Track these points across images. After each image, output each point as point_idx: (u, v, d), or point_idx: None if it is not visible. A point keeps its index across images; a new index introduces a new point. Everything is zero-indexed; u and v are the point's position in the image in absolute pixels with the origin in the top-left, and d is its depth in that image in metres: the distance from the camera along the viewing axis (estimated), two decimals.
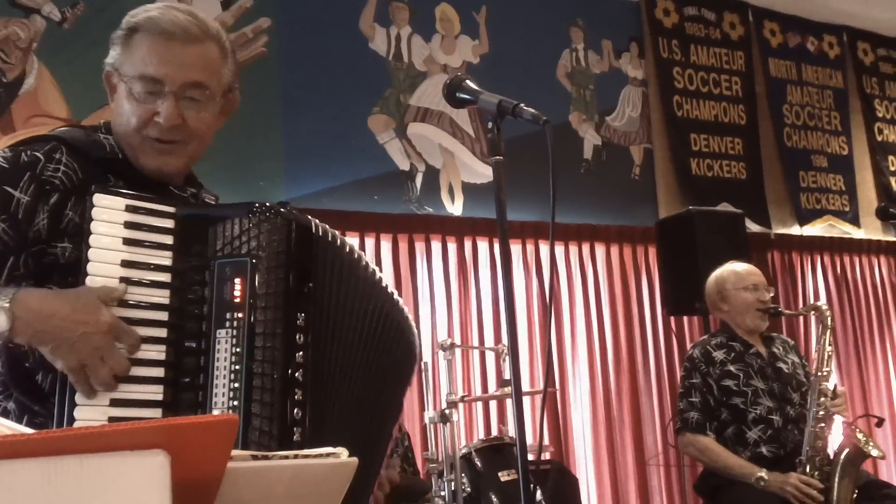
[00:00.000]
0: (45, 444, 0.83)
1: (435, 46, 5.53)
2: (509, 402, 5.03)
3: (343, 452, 1.06)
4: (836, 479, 3.47)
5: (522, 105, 1.72)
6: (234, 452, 0.95)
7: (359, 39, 5.29)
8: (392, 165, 5.25)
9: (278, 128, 4.94)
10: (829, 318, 3.77)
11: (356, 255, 1.72)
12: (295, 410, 1.49)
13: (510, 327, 1.79)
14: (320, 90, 5.07)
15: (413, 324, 1.86)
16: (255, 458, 0.99)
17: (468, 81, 1.86)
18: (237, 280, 1.50)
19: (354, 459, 1.08)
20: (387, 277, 1.92)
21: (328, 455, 1.06)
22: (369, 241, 4.97)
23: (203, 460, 0.90)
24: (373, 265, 1.76)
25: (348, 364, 1.67)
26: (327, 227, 1.65)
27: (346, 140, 5.11)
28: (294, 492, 1.05)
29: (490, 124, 1.75)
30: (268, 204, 1.56)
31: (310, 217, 1.63)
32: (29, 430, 0.89)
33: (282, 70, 4.99)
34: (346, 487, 1.10)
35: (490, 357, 5.12)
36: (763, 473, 3.48)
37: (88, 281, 1.46)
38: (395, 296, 1.81)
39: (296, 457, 1.03)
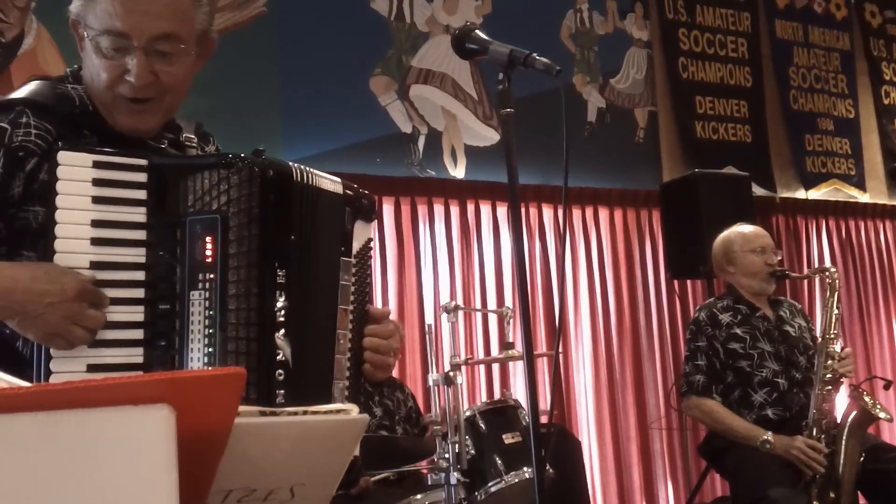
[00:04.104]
0: (45, 397, 0.80)
1: (437, 6, 5.45)
2: (511, 365, 5.02)
3: (353, 409, 1.03)
4: (843, 443, 3.46)
5: (535, 55, 1.66)
6: (242, 408, 0.92)
7: None
8: (394, 128, 5.19)
9: (278, 89, 4.88)
10: (837, 281, 3.75)
11: (329, 187, 1.61)
12: (277, 372, 1.44)
13: (521, 290, 1.75)
14: (321, 51, 5.00)
15: (332, 186, 1.64)
16: (262, 413, 0.96)
17: (478, 31, 1.80)
18: (208, 238, 1.44)
19: (365, 416, 1.05)
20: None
21: (337, 412, 1.03)
22: None
23: (209, 415, 0.88)
24: (333, 181, 1.63)
25: (331, 304, 1.61)
26: (306, 168, 1.55)
27: (347, 102, 5.05)
28: (301, 448, 1.02)
29: (500, 75, 1.70)
30: (242, 154, 1.47)
31: (290, 163, 1.54)
32: (26, 384, 0.86)
33: (281, 30, 4.92)
34: (355, 445, 1.07)
35: (491, 319, 5.10)
36: (768, 436, 3.47)
37: (57, 244, 1.40)
38: (316, 181, 1.60)
39: (304, 413, 1.00)
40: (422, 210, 5.12)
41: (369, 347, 1.69)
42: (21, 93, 1.61)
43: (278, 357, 1.45)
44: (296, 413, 0.99)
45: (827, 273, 3.81)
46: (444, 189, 5.20)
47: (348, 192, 1.67)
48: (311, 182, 1.56)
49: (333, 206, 1.63)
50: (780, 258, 3.87)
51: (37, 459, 0.79)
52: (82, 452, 0.80)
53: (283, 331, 1.46)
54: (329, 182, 1.61)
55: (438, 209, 5.17)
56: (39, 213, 1.51)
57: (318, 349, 1.59)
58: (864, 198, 7.05)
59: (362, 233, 1.70)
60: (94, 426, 0.81)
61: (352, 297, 1.67)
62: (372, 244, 1.75)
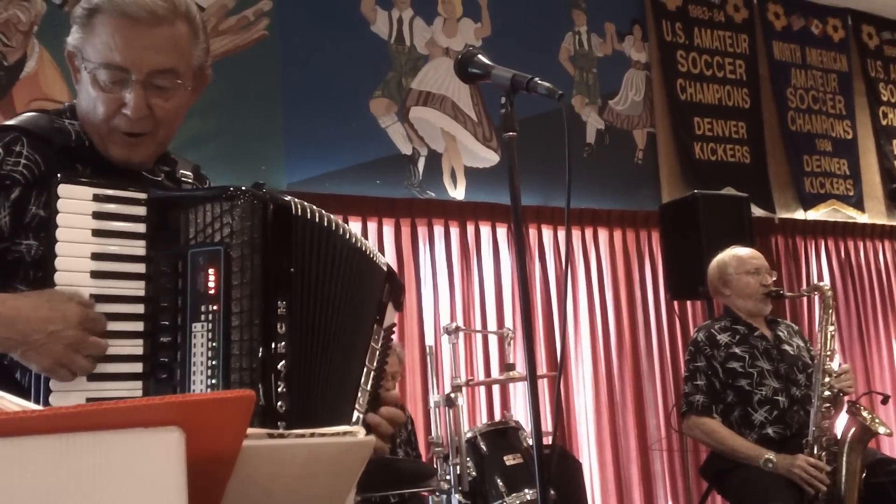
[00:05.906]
0: (58, 420, 0.81)
1: (437, 29, 5.49)
2: (511, 386, 5.02)
3: (360, 431, 1.04)
4: (844, 459, 3.46)
5: (537, 79, 1.68)
6: (250, 430, 0.93)
7: (360, 22, 5.25)
8: (394, 149, 5.22)
9: (279, 111, 4.91)
10: (831, 298, 3.76)
11: (334, 226, 1.62)
12: (279, 404, 1.44)
13: (525, 312, 1.76)
14: (321, 73, 5.04)
15: (379, 259, 1.75)
16: (270, 436, 0.97)
17: (480, 56, 1.82)
18: (211, 270, 1.44)
19: (372, 438, 1.06)
20: (390, 262, 1.84)
21: (345, 434, 1.04)
22: (371, 226, 4.95)
23: (218, 438, 0.89)
24: (348, 228, 1.66)
25: (333, 341, 1.61)
26: (306, 203, 1.56)
27: (348, 124, 5.08)
28: (309, 470, 1.03)
29: (503, 100, 1.71)
30: (243, 187, 1.48)
31: (289, 197, 1.55)
32: (39, 407, 0.87)
33: (283, 53, 4.96)
34: (362, 467, 1.08)
35: (492, 341, 5.10)
36: (771, 455, 3.46)
37: (58, 277, 1.40)
38: (364, 246, 1.69)
39: (312, 435, 1.01)
40: (422, 231, 5.13)
41: (377, 424, 1.70)
42: (19, 121, 1.62)
43: (279, 389, 1.44)
44: (303, 435, 1.00)
45: (821, 291, 3.82)
46: (443, 210, 5.22)
47: (391, 272, 1.77)
48: (317, 220, 1.57)
49: (374, 273, 1.72)
50: (774, 278, 3.88)
51: (50, 481, 0.80)
52: (94, 474, 0.81)
53: (282, 362, 1.46)
54: (375, 253, 1.73)
55: (438, 230, 5.19)
56: (33, 245, 1.51)
57: (328, 391, 1.59)
58: (862, 218, 7.08)
59: (390, 315, 1.78)
60: (106, 448, 0.82)
61: (374, 364, 1.71)
62: (395, 330, 1.81)
